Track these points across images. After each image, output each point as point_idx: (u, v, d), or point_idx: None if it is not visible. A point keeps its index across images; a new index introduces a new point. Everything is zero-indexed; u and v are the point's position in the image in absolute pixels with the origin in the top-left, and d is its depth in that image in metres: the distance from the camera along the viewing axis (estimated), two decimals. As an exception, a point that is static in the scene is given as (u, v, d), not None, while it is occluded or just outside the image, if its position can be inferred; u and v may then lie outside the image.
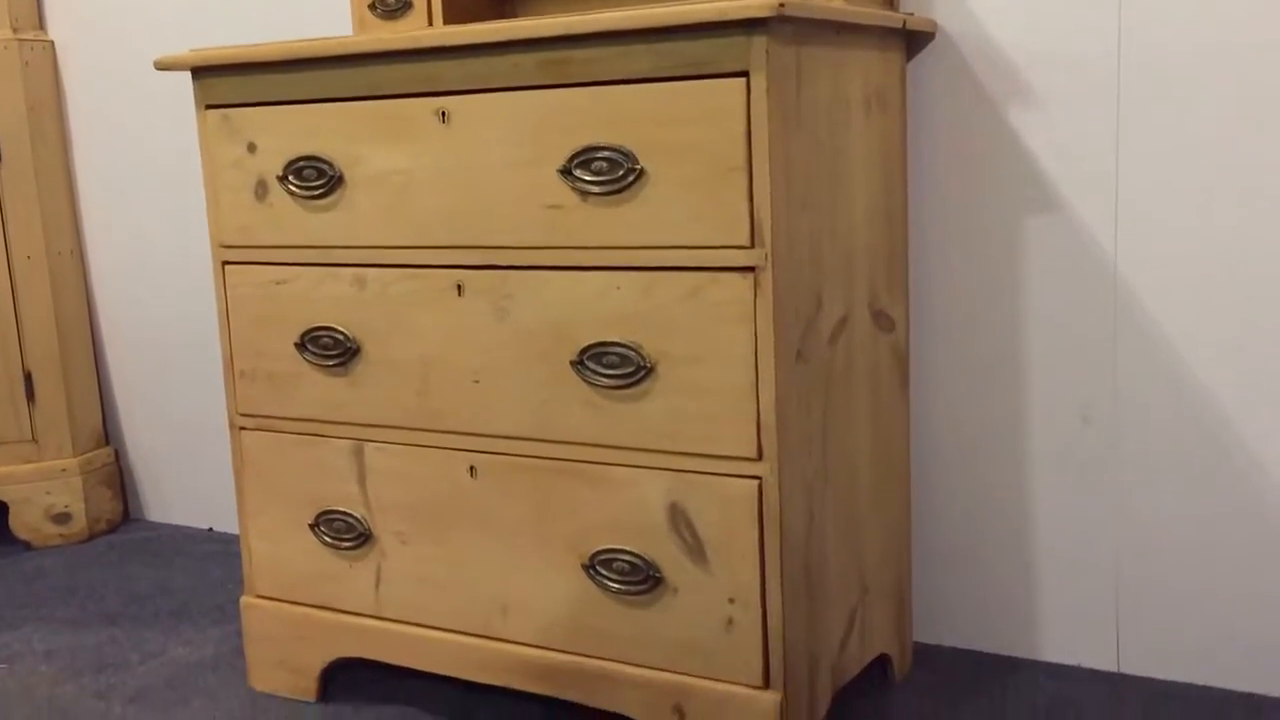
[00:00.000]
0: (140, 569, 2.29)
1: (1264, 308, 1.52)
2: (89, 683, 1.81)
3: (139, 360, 2.50)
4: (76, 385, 2.47)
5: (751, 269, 1.30)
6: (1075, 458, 1.64)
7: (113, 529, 2.52)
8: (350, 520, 1.62)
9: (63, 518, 2.43)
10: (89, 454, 2.47)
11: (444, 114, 1.45)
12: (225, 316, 1.68)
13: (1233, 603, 1.58)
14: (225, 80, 1.60)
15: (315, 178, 1.55)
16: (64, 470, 2.43)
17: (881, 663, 1.64)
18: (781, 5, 1.21)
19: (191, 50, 1.62)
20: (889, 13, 1.52)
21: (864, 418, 1.53)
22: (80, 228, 2.48)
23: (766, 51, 1.25)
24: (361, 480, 1.61)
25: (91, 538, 2.46)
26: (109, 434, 2.56)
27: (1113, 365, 1.60)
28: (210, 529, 2.48)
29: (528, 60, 1.38)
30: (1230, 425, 1.55)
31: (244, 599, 1.74)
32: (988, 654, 1.74)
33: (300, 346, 1.61)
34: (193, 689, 1.77)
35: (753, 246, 1.29)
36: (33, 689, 1.80)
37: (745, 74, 1.26)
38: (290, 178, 1.57)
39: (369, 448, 1.59)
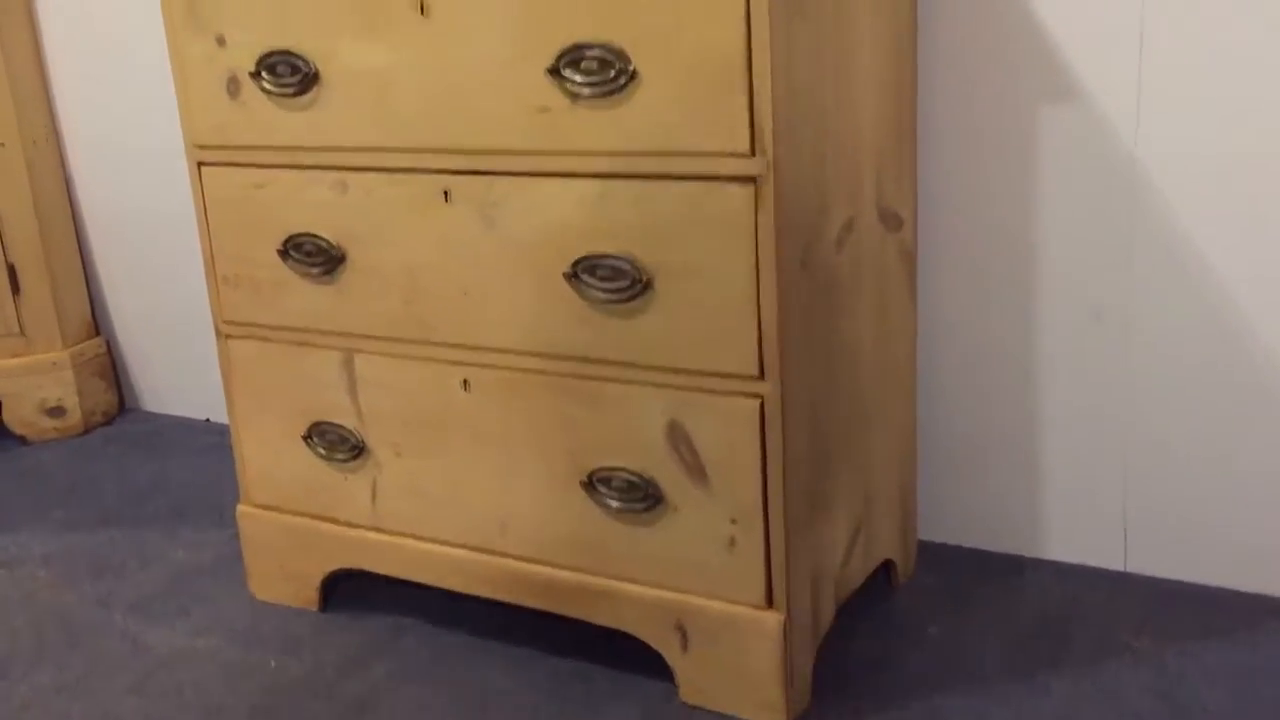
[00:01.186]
0: (138, 463, 2.26)
1: (1292, 201, 1.45)
2: (89, 590, 1.80)
3: (125, 248, 2.43)
4: (62, 275, 2.40)
5: (753, 179, 1.22)
6: (1086, 356, 1.59)
7: (109, 421, 2.49)
8: (343, 432, 1.58)
9: (57, 411, 2.40)
10: (79, 345, 2.43)
11: (422, 5, 1.35)
12: (204, 220, 1.61)
13: (1243, 504, 1.55)
14: (189, -31, 1.50)
15: (289, 74, 1.46)
16: (54, 364, 2.39)
17: (885, 566, 1.61)
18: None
19: (151, -64, 1.52)
20: None
21: (870, 321, 1.47)
22: (54, 113, 2.38)
23: None
24: (353, 391, 1.56)
25: (87, 430, 2.44)
26: (99, 324, 2.51)
27: (1128, 262, 1.53)
28: (208, 419, 2.45)
29: (510, -49, 1.28)
30: (1247, 324, 1.49)
31: (241, 508, 1.71)
32: (994, 553, 1.71)
33: (283, 254, 1.54)
34: (193, 596, 1.76)
35: (753, 155, 1.21)
36: (33, 595, 1.79)
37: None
38: (263, 74, 1.48)
39: (359, 358, 1.54)
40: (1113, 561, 1.64)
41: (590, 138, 1.29)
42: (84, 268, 2.46)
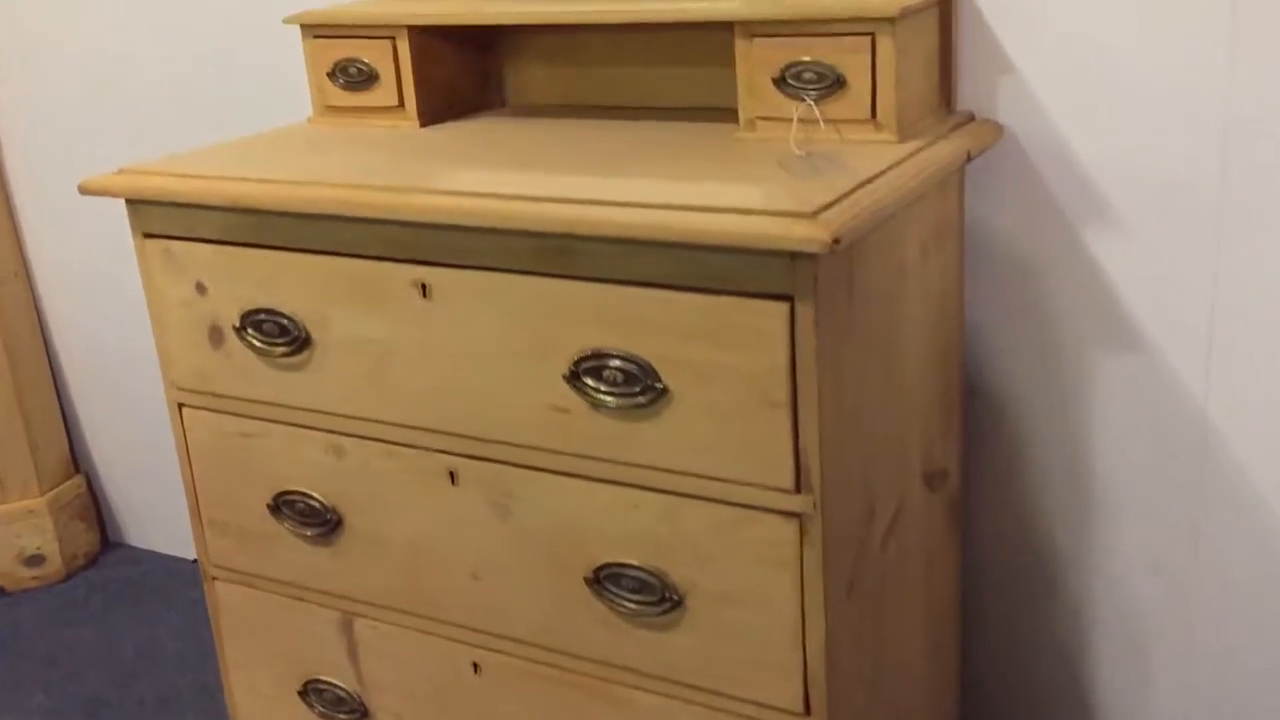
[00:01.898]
0: (123, 625, 2.15)
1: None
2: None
3: (103, 381, 2.30)
4: (37, 416, 2.27)
5: (797, 515, 1.10)
6: (1144, 613, 1.48)
7: (91, 562, 2.37)
8: (342, 693, 1.46)
9: (35, 560, 2.28)
10: (58, 489, 2.30)
11: (424, 287, 1.22)
12: (186, 459, 1.48)
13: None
14: (163, 210, 1.35)
15: (278, 334, 1.33)
16: (32, 511, 2.26)
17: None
18: (836, 242, 0.98)
19: (121, 171, 1.37)
20: (955, 141, 1.25)
21: (918, 603, 1.36)
22: (23, 249, 2.23)
23: (816, 278, 1.02)
24: (352, 655, 1.44)
25: (69, 576, 2.32)
26: (78, 460, 2.38)
27: (1192, 517, 1.41)
28: (195, 560, 2.33)
29: (521, 245, 1.15)
30: (1322, 581, 1.38)
31: (233, 750, 1.60)
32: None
33: (274, 509, 1.42)
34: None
35: (798, 492, 1.09)
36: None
37: (789, 298, 1.04)
38: (249, 329, 1.35)
39: (359, 622, 1.42)
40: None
41: (614, 447, 1.17)
42: (60, 404, 2.33)
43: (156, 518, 2.35)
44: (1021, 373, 1.44)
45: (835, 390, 1.08)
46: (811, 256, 1.01)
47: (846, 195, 1.05)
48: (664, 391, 1.12)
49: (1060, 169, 1.34)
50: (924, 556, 1.36)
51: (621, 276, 1.11)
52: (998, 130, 1.32)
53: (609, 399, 1.14)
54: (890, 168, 1.13)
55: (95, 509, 2.39)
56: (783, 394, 1.06)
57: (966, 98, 1.35)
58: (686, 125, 1.39)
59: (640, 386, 1.13)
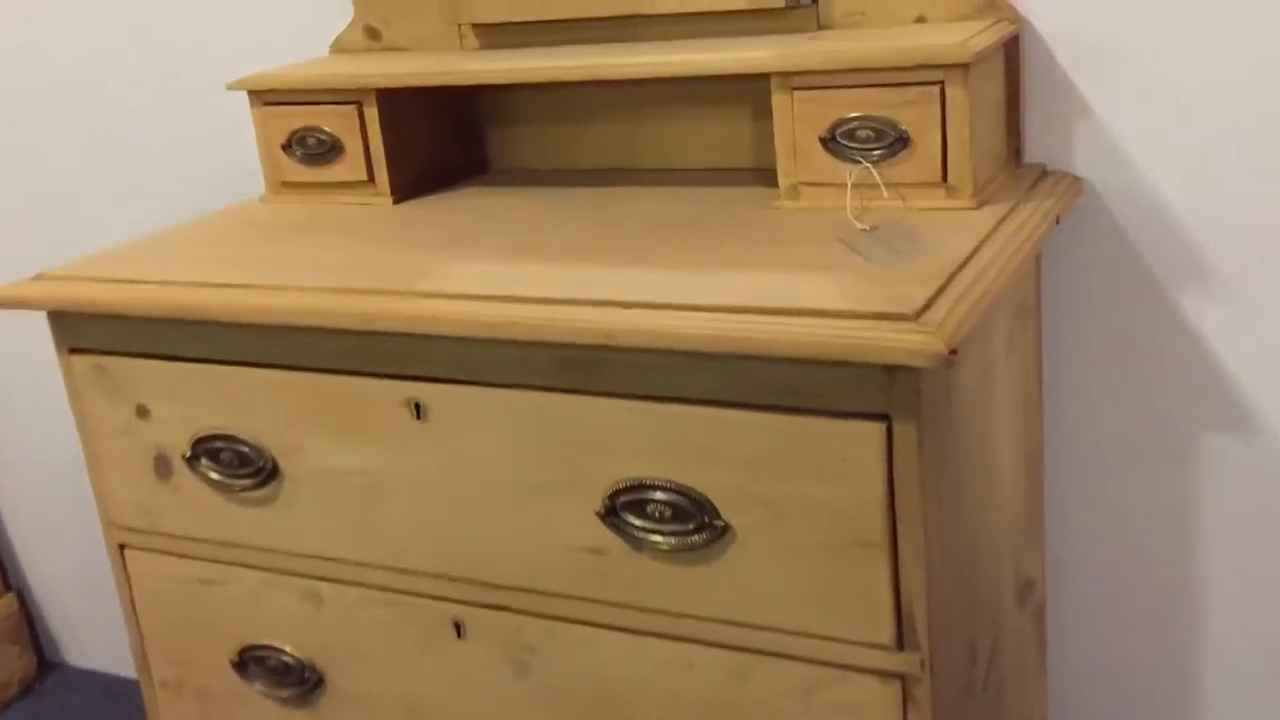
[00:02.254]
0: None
1: None
2: None
3: (32, 490, 2.04)
4: (-42, 532, 2.02)
5: (898, 675, 0.90)
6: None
7: (27, 688, 2.10)
8: None
9: (-38, 692, 2.02)
10: (-14, 610, 2.05)
11: (418, 407, 1.00)
12: (131, 610, 1.25)
13: None
14: (93, 320, 1.13)
15: (238, 464, 1.11)
16: (-44, 638, 2.01)
17: None
18: (953, 353, 0.78)
19: (39, 277, 1.14)
20: (1039, 204, 1.05)
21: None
22: (-64, 347, 1.99)
23: (919, 393, 0.82)
24: (341, 833, 1.22)
25: (4, 707, 2.06)
26: (8, 574, 2.12)
27: (1313, 618, 1.23)
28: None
29: (540, 356, 0.94)
30: None
31: None
32: None
33: (240, 666, 1.19)
34: None
35: (901, 649, 0.89)
36: None
37: (884, 417, 0.84)
38: (203, 459, 1.12)
39: (348, 795, 1.20)
40: None
41: (663, 595, 0.96)
42: (-15, 515, 2.08)
43: (96, 635, 2.10)
44: (1108, 460, 1.25)
45: (939, 521, 0.88)
46: (912, 369, 0.81)
47: (944, 287, 0.85)
48: (724, 530, 0.91)
49: (1151, 228, 1.15)
50: (1017, 679, 1.17)
51: (665, 393, 0.90)
52: (1077, 185, 1.14)
53: (658, 539, 0.94)
54: (981, 244, 0.94)
55: (29, 629, 2.13)
56: (878, 532, 0.86)
57: (1034, 148, 1.17)
58: (710, 192, 1.19)
59: (694, 524, 0.92)
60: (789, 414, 0.86)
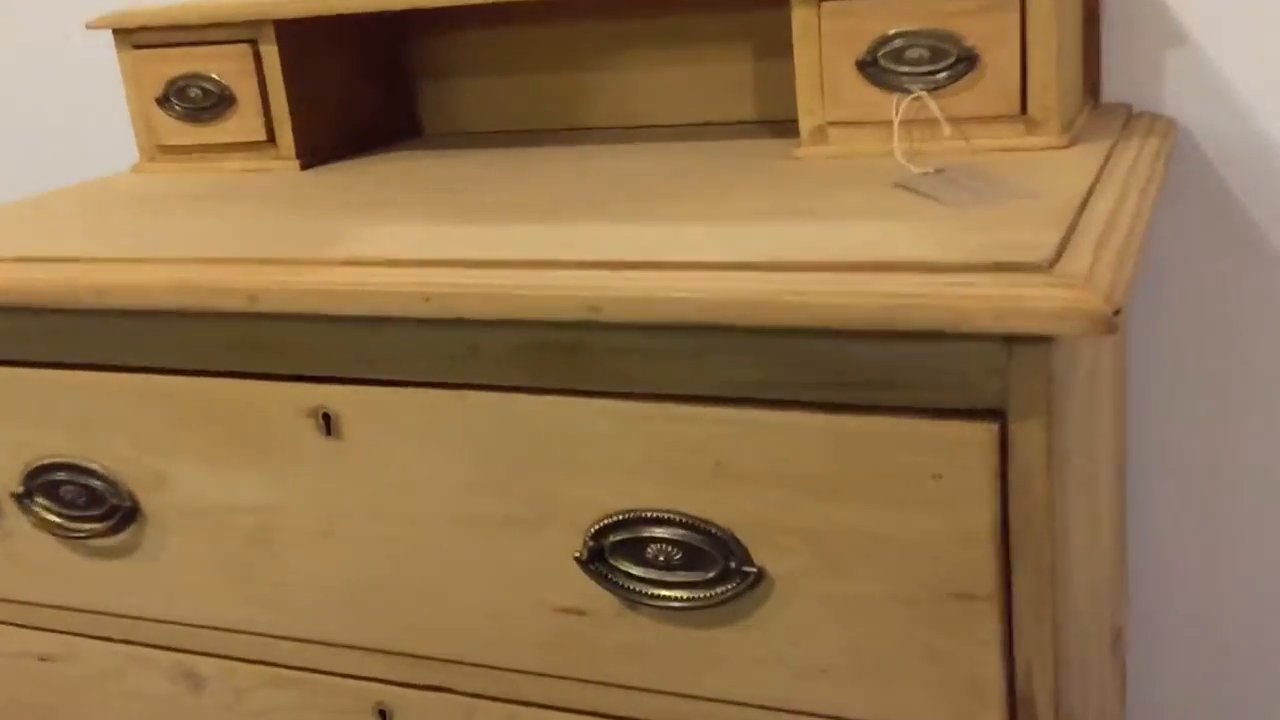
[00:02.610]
0: None
1: None
2: None
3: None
4: None
5: (1006, 783, 0.64)
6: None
7: None
8: None
9: None
10: None
11: (327, 418, 0.74)
12: (-44, 695, 0.96)
13: None
14: (-110, 312, 0.85)
15: (86, 503, 0.83)
16: None
17: None
18: (1117, 313, 0.53)
19: None
20: (1143, 144, 0.80)
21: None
22: None
23: (1050, 379, 0.58)
24: None
25: None
26: None
27: None
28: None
29: (495, 342, 0.68)
30: None
31: None
32: None
33: (96, 770, 0.91)
34: None
35: (1012, 748, 0.64)
36: None
37: (998, 414, 0.59)
38: (37, 496, 0.84)
39: None
40: None
41: (669, 672, 0.69)
42: None
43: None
44: (1194, 474, 1.02)
45: (1064, 566, 0.63)
46: (1042, 341, 0.56)
47: (1071, 232, 0.61)
48: (757, 579, 0.65)
49: (1256, 178, 0.92)
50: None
51: (671, 389, 0.64)
52: (1170, 128, 0.90)
53: (663, 593, 0.67)
54: (1093, 185, 0.70)
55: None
56: (985, 579, 0.61)
57: (1112, 85, 0.93)
58: (709, 146, 0.94)
59: (714, 571, 0.66)
60: (853, 413, 0.61)
